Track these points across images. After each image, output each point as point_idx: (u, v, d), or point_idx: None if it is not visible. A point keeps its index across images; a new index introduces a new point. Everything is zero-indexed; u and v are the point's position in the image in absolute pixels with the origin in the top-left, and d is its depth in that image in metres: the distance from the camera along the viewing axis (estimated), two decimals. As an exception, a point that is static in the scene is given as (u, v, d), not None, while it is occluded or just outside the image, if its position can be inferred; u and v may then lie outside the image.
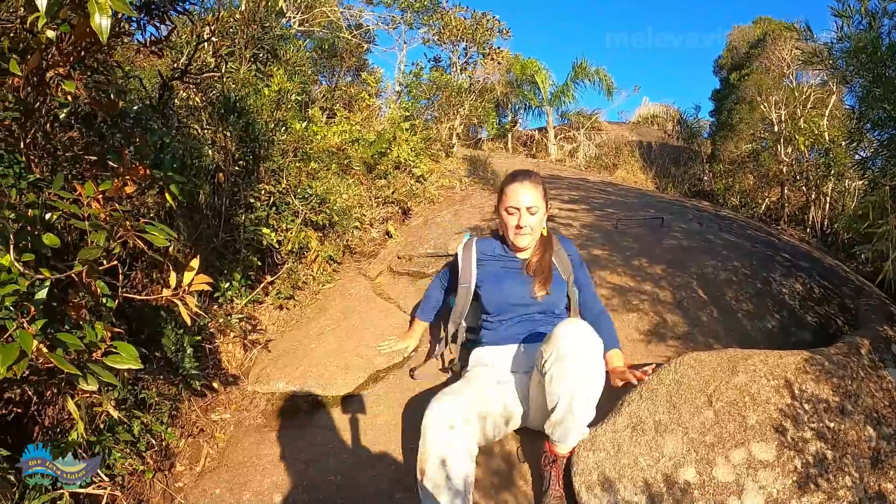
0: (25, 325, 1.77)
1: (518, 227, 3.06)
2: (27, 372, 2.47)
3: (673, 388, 2.71)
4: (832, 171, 8.73)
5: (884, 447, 2.53)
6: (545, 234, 3.24)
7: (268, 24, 6.21)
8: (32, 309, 1.82)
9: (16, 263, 1.81)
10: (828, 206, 9.12)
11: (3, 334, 1.74)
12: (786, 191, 10.26)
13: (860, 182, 8.00)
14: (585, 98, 35.65)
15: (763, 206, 10.54)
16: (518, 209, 3.04)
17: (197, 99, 4.61)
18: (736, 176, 11.54)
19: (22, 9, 2.21)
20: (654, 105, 19.04)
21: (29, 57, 2.17)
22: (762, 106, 10.94)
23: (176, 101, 4.07)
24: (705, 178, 12.72)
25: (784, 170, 10.18)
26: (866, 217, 3.84)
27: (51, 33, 1.88)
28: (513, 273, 3.20)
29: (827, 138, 9.01)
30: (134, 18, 2.83)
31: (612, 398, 2.82)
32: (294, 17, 8.89)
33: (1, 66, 2.27)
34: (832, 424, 2.52)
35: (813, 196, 9.31)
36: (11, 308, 1.79)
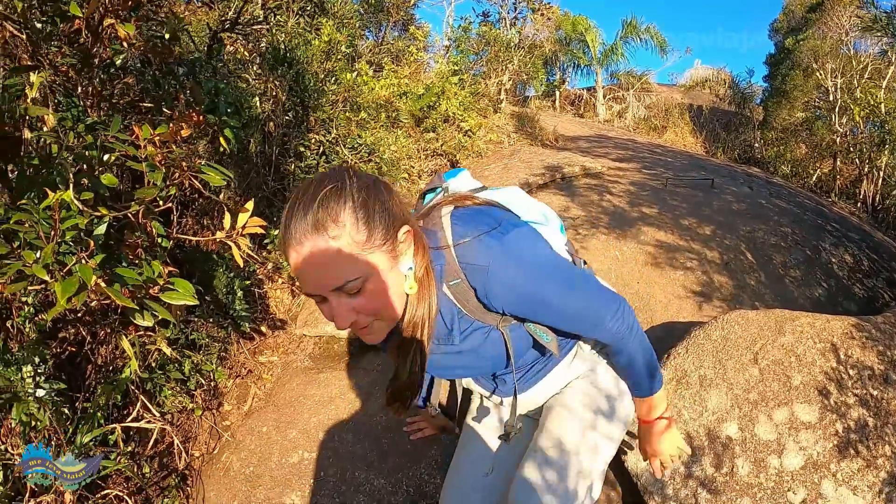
0: (85, 259, 1.80)
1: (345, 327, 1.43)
2: (82, 312, 2.57)
3: (719, 344, 2.72)
4: (887, 145, 8.50)
5: (926, 419, 2.52)
6: (412, 291, 1.48)
7: (315, -24, 6.21)
8: (92, 244, 1.87)
9: (75, 201, 1.85)
10: (881, 180, 8.91)
11: (62, 269, 1.78)
12: (838, 162, 10.03)
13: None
14: (636, 58, 35.15)
15: (814, 177, 10.34)
16: (320, 295, 1.40)
17: (244, 51, 4.65)
18: (787, 144, 11.33)
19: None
20: (705, 68, 18.73)
21: (87, 4, 2.22)
22: (818, 73, 10.68)
23: (206, 50, 4.13)
24: (756, 144, 12.50)
25: (837, 140, 9.95)
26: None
27: None
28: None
29: (883, 110, 8.76)
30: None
31: (658, 350, 2.75)
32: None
33: (61, 8, 2.33)
34: (875, 392, 2.51)
35: (866, 169, 9.09)
36: (71, 243, 1.84)
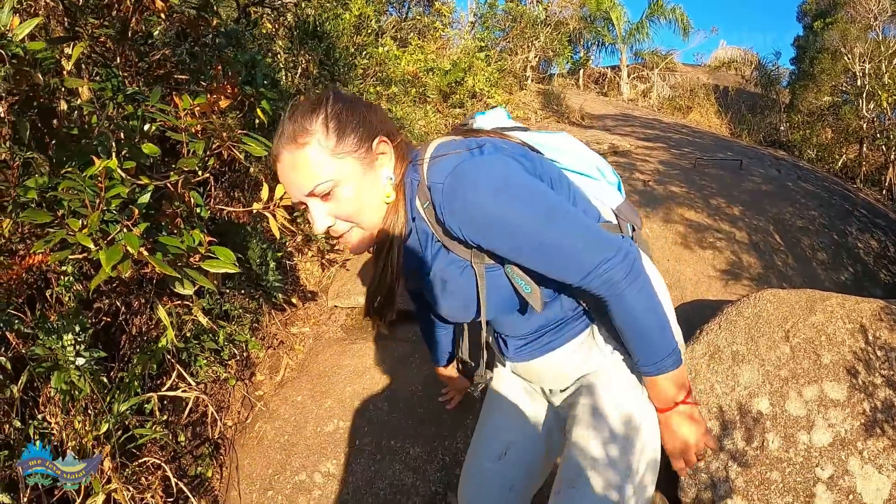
0: (129, 227, 1.82)
1: (324, 233, 1.53)
2: (117, 283, 2.61)
3: (752, 321, 2.74)
4: (914, 133, 8.44)
5: (952, 402, 2.54)
6: (389, 199, 1.50)
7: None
8: (136, 212, 1.88)
9: (118, 170, 1.87)
10: (906, 169, 8.85)
11: (105, 237, 1.80)
12: (864, 148, 9.95)
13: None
14: (660, 37, 34.85)
15: (840, 163, 10.26)
16: (302, 203, 1.49)
17: (269, 25, 4.66)
18: (814, 128, 11.21)
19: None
20: (731, 49, 18.48)
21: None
22: (846, 57, 10.55)
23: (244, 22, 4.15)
24: (782, 127, 12.38)
25: (864, 126, 9.86)
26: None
27: None
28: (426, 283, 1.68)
29: (911, 97, 8.70)
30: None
31: (689, 326, 2.75)
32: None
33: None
34: (903, 374, 2.53)
35: (892, 157, 9.02)
36: (115, 211, 1.85)
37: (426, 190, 1.45)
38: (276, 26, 4.74)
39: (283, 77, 4.49)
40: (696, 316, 3.06)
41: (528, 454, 1.89)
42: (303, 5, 5.05)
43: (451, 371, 2.41)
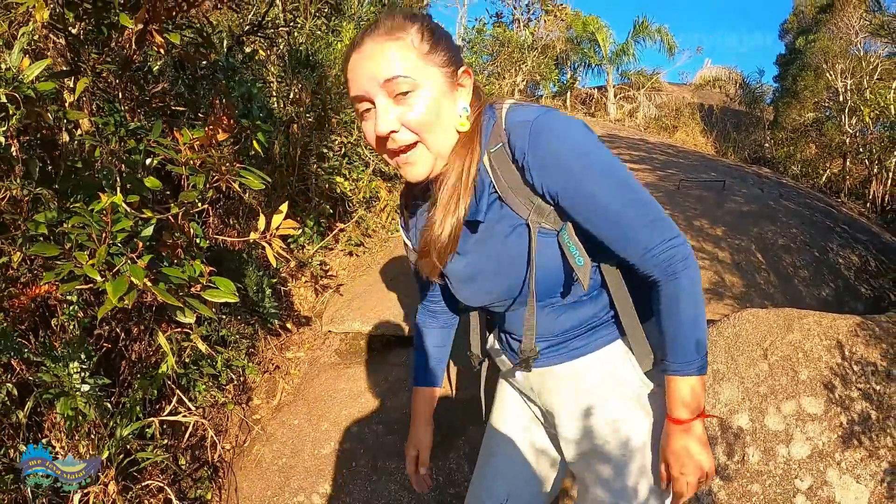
0: (134, 259, 1.89)
1: (383, 140, 1.36)
2: (116, 310, 2.69)
3: (731, 341, 2.84)
4: (897, 146, 8.59)
5: (927, 412, 2.64)
6: (463, 127, 1.41)
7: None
8: (140, 245, 1.96)
9: (123, 204, 1.93)
10: (890, 181, 8.99)
11: (111, 269, 1.86)
12: (848, 163, 10.13)
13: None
14: (646, 57, 35.15)
15: (824, 178, 10.43)
16: (368, 100, 1.35)
17: (262, 52, 4.75)
18: (798, 144, 11.41)
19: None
20: (716, 68, 18.72)
21: (136, 15, 2.33)
22: (828, 74, 10.75)
23: (240, 55, 4.22)
24: (766, 144, 12.58)
25: (847, 141, 10.04)
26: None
27: None
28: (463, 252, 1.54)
29: (893, 111, 8.83)
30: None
31: None
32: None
33: (112, 19, 2.45)
34: (878, 387, 2.63)
35: (875, 170, 9.18)
36: (120, 244, 1.91)
37: (502, 132, 1.39)
38: (269, 53, 4.83)
39: (276, 103, 4.59)
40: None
41: None
42: (295, 34, 5.15)
43: (431, 399, 1.97)
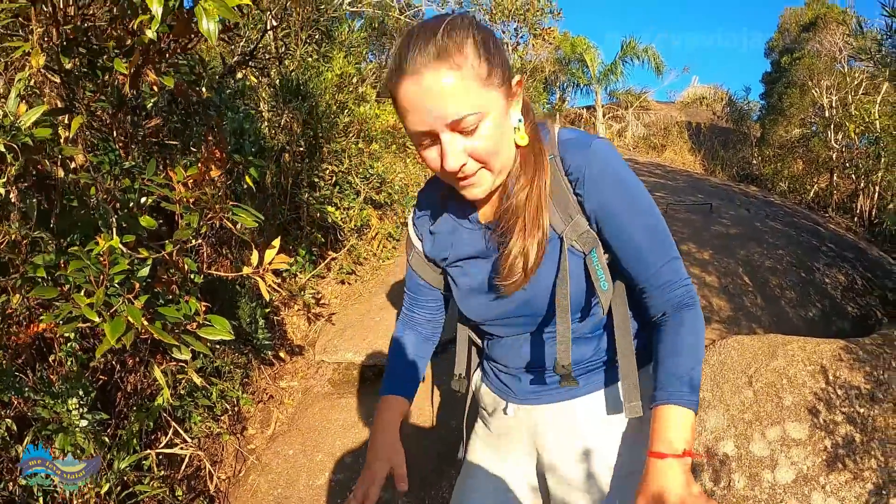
0: (131, 300, 1.92)
1: (450, 172, 1.30)
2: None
3: (717, 368, 2.91)
4: (882, 161, 8.66)
5: (911, 433, 2.70)
6: (522, 141, 1.38)
7: (322, 6, 6.37)
8: (137, 285, 1.99)
9: (119, 245, 1.96)
10: (877, 195, 9.09)
11: (109, 310, 1.88)
12: (835, 178, 10.23)
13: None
14: (634, 77, 35.43)
15: (811, 193, 10.52)
16: (432, 135, 1.27)
17: (253, 78, 4.78)
18: (785, 160, 11.49)
19: (130, 13, 2.39)
20: (703, 86, 18.85)
21: (129, 59, 2.38)
22: (813, 90, 10.87)
23: (230, 89, 4.23)
24: (754, 161, 12.67)
25: (834, 156, 10.14)
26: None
27: (152, 34, 1.98)
28: (475, 245, 1.52)
29: (878, 126, 8.95)
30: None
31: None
32: (345, -1, 8.99)
33: (106, 64, 2.50)
34: (862, 410, 2.69)
35: (862, 185, 9.27)
36: (118, 286, 1.94)
37: (556, 146, 1.39)
38: (260, 80, 4.88)
39: (267, 131, 4.64)
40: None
41: None
42: (286, 63, 5.22)
43: (402, 411, 1.76)
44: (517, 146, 1.37)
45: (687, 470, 1.29)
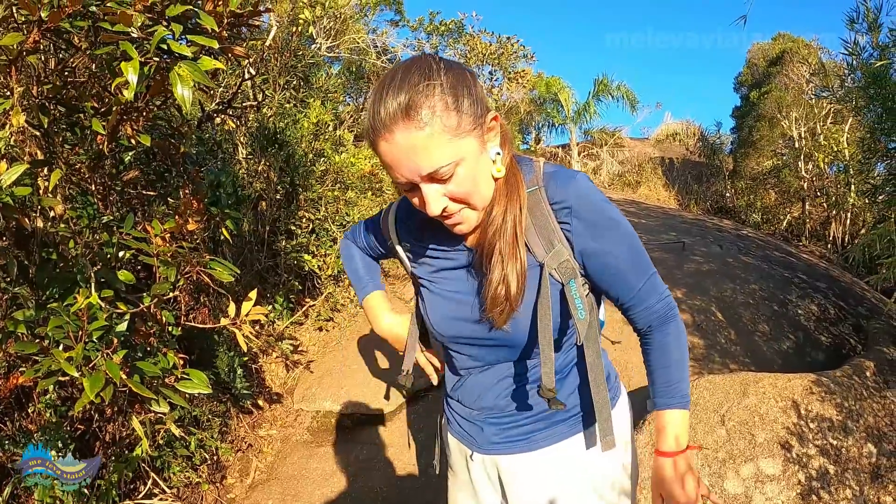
0: (109, 355, 1.94)
1: (439, 215, 1.36)
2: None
3: (690, 409, 2.95)
4: (852, 187, 8.83)
5: (884, 462, 2.75)
6: (499, 174, 1.40)
7: (300, 53, 6.43)
8: (115, 340, 2.02)
9: (98, 301, 1.97)
10: (848, 221, 9.26)
11: (88, 364, 1.90)
12: (807, 206, 10.40)
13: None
14: (608, 115, 35.79)
15: (784, 223, 10.69)
16: (412, 184, 1.33)
17: (231, 124, 4.80)
18: (758, 192, 11.68)
19: (108, 73, 2.43)
20: (675, 122, 19.09)
21: (108, 119, 2.41)
22: (782, 123, 11.08)
23: (208, 140, 4.23)
24: (727, 194, 12.85)
25: (805, 186, 10.33)
26: (874, 247, 3.95)
27: (129, 95, 2.02)
28: (457, 277, 1.54)
29: (847, 154, 9.14)
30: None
31: (636, 414, 2.88)
32: (323, 44, 9.05)
33: (84, 124, 2.54)
34: (835, 441, 2.75)
35: (833, 212, 9.45)
36: (96, 341, 1.97)
37: (539, 178, 1.42)
38: (238, 127, 4.91)
39: (244, 179, 4.66)
40: (641, 404, 3.23)
41: None
42: (264, 110, 5.26)
43: (387, 298, 1.92)
44: (495, 179, 1.40)
45: (692, 461, 1.48)
